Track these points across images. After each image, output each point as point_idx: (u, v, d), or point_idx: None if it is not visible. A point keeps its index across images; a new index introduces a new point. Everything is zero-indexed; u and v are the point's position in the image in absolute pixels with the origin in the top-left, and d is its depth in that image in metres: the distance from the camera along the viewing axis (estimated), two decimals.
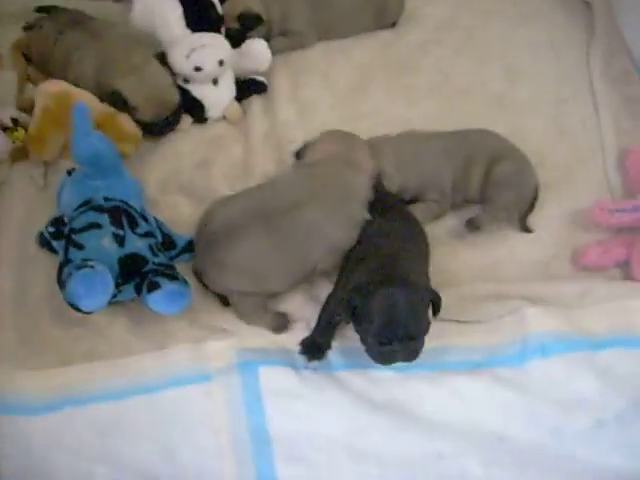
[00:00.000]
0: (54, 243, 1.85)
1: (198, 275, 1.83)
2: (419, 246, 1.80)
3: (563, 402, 1.66)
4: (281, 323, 1.80)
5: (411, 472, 1.63)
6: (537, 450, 1.64)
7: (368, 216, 1.84)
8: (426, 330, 1.58)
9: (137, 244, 1.77)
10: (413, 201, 2.01)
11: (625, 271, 1.93)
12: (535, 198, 2.03)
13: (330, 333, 1.73)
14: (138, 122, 2.10)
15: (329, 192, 1.84)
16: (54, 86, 2.02)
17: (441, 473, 1.63)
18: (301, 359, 1.71)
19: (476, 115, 2.25)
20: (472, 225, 1.97)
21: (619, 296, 1.81)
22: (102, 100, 2.07)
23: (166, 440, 1.64)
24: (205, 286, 1.83)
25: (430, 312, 1.60)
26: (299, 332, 1.77)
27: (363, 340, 1.60)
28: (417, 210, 1.96)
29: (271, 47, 2.26)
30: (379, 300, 1.54)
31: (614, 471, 1.65)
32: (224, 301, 1.83)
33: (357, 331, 1.61)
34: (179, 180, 2.11)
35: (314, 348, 1.72)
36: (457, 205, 2.04)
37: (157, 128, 2.15)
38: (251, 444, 1.63)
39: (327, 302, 1.73)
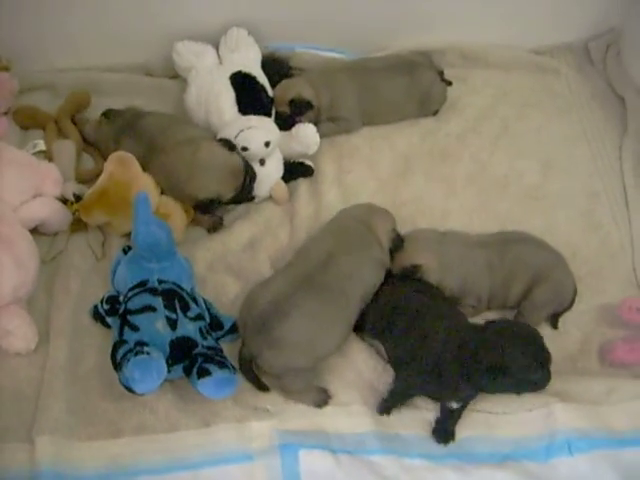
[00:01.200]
0: (108, 319, 1.93)
1: (247, 362, 1.88)
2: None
3: None
4: (323, 398, 1.90)
5: None
6: None
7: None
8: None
9: (188, 327, 1.86)
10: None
11: None
12: (571, 306, 2.09)
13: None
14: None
15: (352, 240, 2.00)
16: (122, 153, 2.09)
17: None
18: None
19: (511, 208, 2.34)
20: None
21: None
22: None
23: None
24: (250, 374, 1.89)
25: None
26: (337, 415, 1.87)
27: None
28: None
29: (319, 131, 2.33)
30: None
31: None
32: (262, 386, 1.90)
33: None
34: (226, 260, 2.17)
35: (443, 432, 1.85)
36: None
37: (238, 198, 2.19)
38: None
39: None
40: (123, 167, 2.04)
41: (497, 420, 1.87)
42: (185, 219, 2.14)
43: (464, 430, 1.85)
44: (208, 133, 2.24)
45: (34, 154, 2.25)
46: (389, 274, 2.03)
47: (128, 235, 1.98)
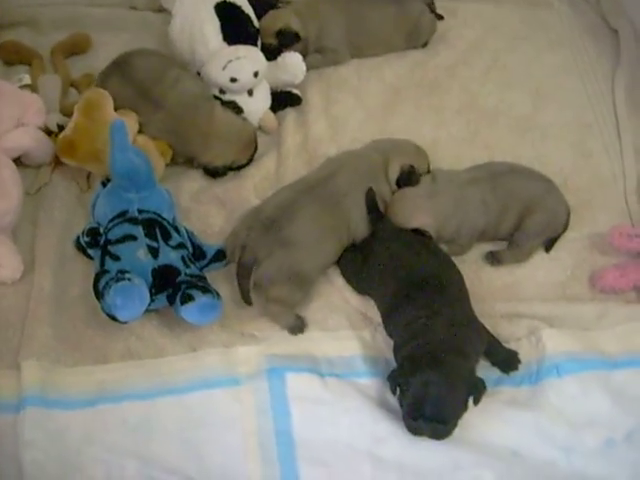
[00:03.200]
0: (89, 251, 1.92)
1: (247, 269, 1.86)
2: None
3: (575, 421, 1.73)
4: (298, 325, 1.90)
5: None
6: (549, 466, 1.69)
7: (392, 189, 2.03)
8: (459, 415, 1.65)
9: (170, 255, 1.85)
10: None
11: None
12: (565, 229, 2.09)
13: None
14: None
15: (360, 165, 2.04)
16: (95, 94, 2.06)
17: None
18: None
19: (502, 138, 2.33)
20: (494, 259, 2.06)
21: (635, 318, 1.91)
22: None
23: (194, 440, 1.70)
24: (245, 282, 1.87)
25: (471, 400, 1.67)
26: (324, 340, 1.87)
27: (401, 407, 1.69)
28: None
29: (307, 63, 2.33)
30: (418, 380, 1.62)
31: None
32: (248, 299, 1.89)
33: (398, 397, 1.69)
34: (212, 190, 2.17)
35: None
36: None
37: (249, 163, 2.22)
38: (277, 446, 1.69)
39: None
40: (89, 116, 2.02)
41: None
42: (162, 160, 2.10)
43: None
44: (205, 85, 2.22)
45: (19, 87, 2.22)
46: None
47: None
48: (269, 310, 1.91)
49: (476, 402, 1.66)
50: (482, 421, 1.72)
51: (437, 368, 1.62)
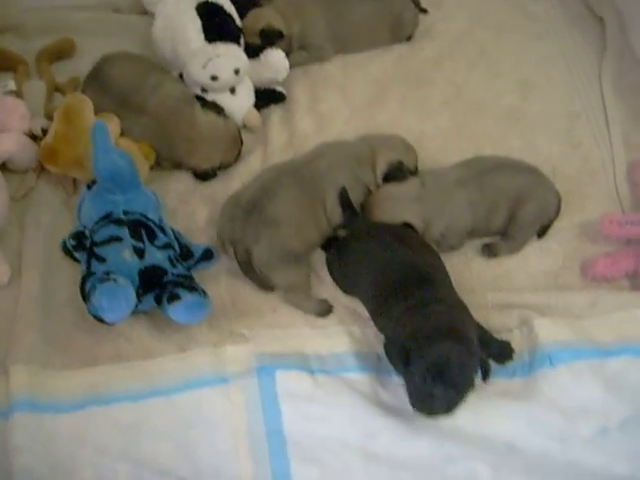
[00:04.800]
0: (76, 254, 1.91)
1: (246, 261, 1.88)
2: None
3: (569, 410, 1.70)
4: (325, 308, 1.91)
5: (422, 474, 1.65)
6: (544, 456, 1.67)
7: (378, 182, 2.03)
8: (468, 389, 1.63)
9: (157, 256, 1.84)
10: None
11: (634, 282, 1.97)
12: (557, 215, 2.07)
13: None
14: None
15: (345, 151, 2.04)
16: (74, 100, 2.06)
17: (451, 476, 1.66)
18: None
19: (489, 129, 2.31)
20: (489, 251, 2.04)
21: (628, 306, 1.87)
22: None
23: (185, 440, 1.68)
24: (253, 273, 1.89)
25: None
26: (314, 337, 1.85)
27: (407, 382, 1.65)
28: None
29: (291, 60, 2.31)
30: (435, 348, 1.59)
31: (617, 478, 1.67)
32: (266, 285, 1.92)
33: (403, 374, 1.66)
34: (198, 190, 2.16)
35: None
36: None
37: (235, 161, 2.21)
38: (267, 445, 1.67)
39: (387, 352, 1.74)
40: (68, 123, 2.01)
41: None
42: (146, 162, 2.07)
43: None
44: (185, 88, 2.21)
45: (5, 93, 2.21)
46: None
47: None
48: (289, 300, 1.92)
49: (485, 377, 1.64)
50: (475, 413, 1.69)
51: (457, 337, 1.61)
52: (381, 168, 2.03)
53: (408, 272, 1.76)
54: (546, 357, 1.76)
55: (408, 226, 1.92)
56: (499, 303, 1.92)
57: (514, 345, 1.80)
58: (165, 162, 2.15)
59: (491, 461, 1.66)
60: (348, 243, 1.93)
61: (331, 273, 1.97)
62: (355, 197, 1.99)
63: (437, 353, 1.59)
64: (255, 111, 2.28)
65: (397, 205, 1.96)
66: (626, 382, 1.74)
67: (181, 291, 1.76)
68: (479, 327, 1.76)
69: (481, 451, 1.67)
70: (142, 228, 1.85)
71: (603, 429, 1.69)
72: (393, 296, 1.74)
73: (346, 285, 1.93)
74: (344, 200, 1.96)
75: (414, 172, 2.08)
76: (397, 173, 2.01)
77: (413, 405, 1.63)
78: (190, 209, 2.11)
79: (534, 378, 1.75)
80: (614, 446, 1.68)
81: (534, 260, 2.03)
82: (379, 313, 1.79)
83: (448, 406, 1.62)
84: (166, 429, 1.69)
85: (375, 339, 1.83)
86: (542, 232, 2.07)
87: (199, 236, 2.03)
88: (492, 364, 1.74)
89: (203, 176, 2.16)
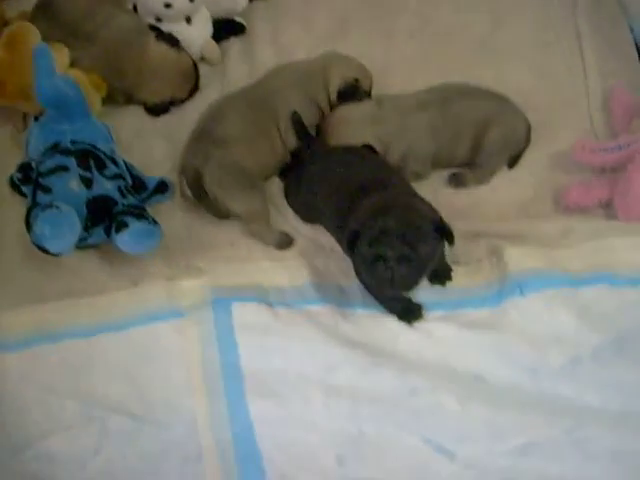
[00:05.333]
0: (23, 188, 1.84)
1: (197, 185, 1.84)
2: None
3: (539, 340, 1.63)
4: (285, 240, 1.85)
5: (384, 408, 1.60)
6: (513, 388, 1.61)
7: (333, 102, 1.97)
8: (429, 259, 1.51)
9: (105, 186, 1.76)
10: None
11: (608, 212, 1.89)
12: (527, 144, 2.00)
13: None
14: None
15: (296, 69, 2.00)
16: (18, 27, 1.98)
17: (416, 408, 1.59)
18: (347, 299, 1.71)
19: (458, 60, 2.20)
20: (457, 181, 1.97)
21: (601, 234, 1.78)
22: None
23: (137, 377, 1.63)
24: (205, 199, 1.84)
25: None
26: (274, 269, 1.77)
27: (358, 264, 1.55)
28: None
29: None
30: (380, 217, 1.49)
31: (591, 410, 1.60)
32: (221, 212, 1.86)
33: (354, 260, 1.57)
34: (155, 125, 2.09)
35: (408, 309, 1.68)
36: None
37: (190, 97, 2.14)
38: (223, 380, 1.62)
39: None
40: (13, 51, 1.94)
41: None
42: (97, 94, 2.01)
43: None
44: (139, 19, 2.14)
45: None
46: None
47: None
48: (248, 231, 1.86)
49: (450, 242, 1.54)
50: (441, 345, 1.63)
51: (404, 209, 1.51)
52: (334, 86, 1.96)
53: (367, 180, 1.66)
54: (516, 286, 1.68)
55: (368, 148, 1.84)
56: (467, 233, 1.81)
57: (482, 275, 1.73)
58: (118, 96, 2.08)
59: (458, 393, 1.60)
60: (304, 168, 1.84)
61: (289, 202, 1.90)
62: (309, 119, 1.94)
63: (382, 222, 1.48)
64: (213, 43, 2.21)
65: (352, 127, 1.89)
66: (599, 311, 1.66)
67: (129, 219, 1.69)
68: None
69: (447, 383, 1.61)
70: (90, 158, 1.77)
71: (575, 359, 1.62)
72: (352, 204, 1.63)
73: (305, 212, 1.86)
74: (297, 124, 1.89)
75: (369, 96, 2.00)
76: (352, 91, 1.93)
77: (369, 283, 1.57)
78: (146, 144, 2.05)
79: (503, 308, 1.67)
80: (586, 376, 1.61)
81: (504, 191, 1.96)
82: (340, 228, 1.68)
83: (406, 276, 1.50)
84: (118, 365, 1.64)
85: (338, 271, 1.77)
86: (512, 162, 2.00)
87: (155, 171, 1.96)
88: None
89: (154, 110, 2.10)
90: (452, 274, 1.72)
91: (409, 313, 1.66)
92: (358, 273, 1.60)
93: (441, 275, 1.71)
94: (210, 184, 1.82)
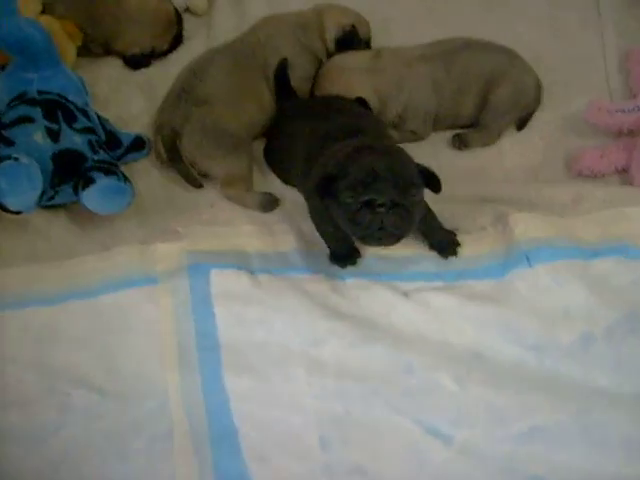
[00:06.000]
0: None
1: (174, 148, 1.72)
2: None
3: (547, 315, 1.50)
4: (269, 201, 1.72)
5: (374, 386, 1.45)
6: (516, 367, 1.46)
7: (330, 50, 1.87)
8: (416, 205, 1.38)
9: (74, 139, 1.64)
10: None
11: (623, 179, 1.77)
12: (537, 105, 1.90)
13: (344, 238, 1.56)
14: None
15: (288, 19, 1.90)
16: None
17: (409, 388, 1.44)
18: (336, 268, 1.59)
19: (464, 13, 2.09)
20: (461, 142, 1.85)
21: (616, 202, 1.67)
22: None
23: (105, 346, 1.50)
24: (172, 157, 1.72)
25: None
26: (257, 234, 1.65)
27: (340, 210, 1.40)
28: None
29: None
30: (361, 158, 1.35)
31: (602, 393, 1.44)
32: (194, 180, 1.75)
33: (332, 208, 1.43)
34: (134, 79, 1.98)
35: (343, 255, 1.59)
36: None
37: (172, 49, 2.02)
38: (197, 352, 1.48)
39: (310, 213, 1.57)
40: None
41: None
42: (71, 43, 1.87)
43: (405, 247, 1.59)
44: None
45: None
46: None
47: None
48: (229, 196, 1.74)
49: (437, 190, 1.41)
50: (439, 318, 1.50)
51: (383, 149, 1.39)
52: (331, 33, 1.86)
53: (342, 125, 1.53)
54: (523, 256, 1.56)
55: (362, 104, 1.70)
56: (470, 198, 1.72)
57: (486, 243, 1.61)
58: (94, 46, 1.95)
59: (456, 372, 1.45)
60: (280, 121, 1.73)
61: (268, 160, 1.81)
62: (306, 70, 1.85)
63: (369, 164, 1.33)
64: None
65: (347, 76, 1.79)
66: (613, 284, 1.54)
67: (96, 174, 1.56)
68: (429, 212, 1.55)
69: (445, 360, 1.47)
70: (58, 109, 1.65)
71: (585, 336, 1.48)
72: (322, 148, 1.49)
73: (282, 171, 1.74)
74: (279, 73, 1.78)
75: (368, 46, 1.88)
76: (350, 39, 1.82)
77: (354, 233, 1.42)
78: (123, 98, 1.93)
79: (509, 279, 1.54)
80: (598, 355, 1.46)
81: (511, 153, 1.85)
82: (305, 174, 1.54)
83: (394, 224, 1.36)
84: (84, 335, 1.51)
85: None
86: (521, 124, 1.88)
87: (132, 126, 1.85)
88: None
89: (133, 62, 1.97)
90: (457, 241, 1.60)
91: (346, 258, 1.57)
92: (314, 217, 1.52)
93: (446, 244, 1.60)
94: (188, 147, 1.71)
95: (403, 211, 1.34)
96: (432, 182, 1.41)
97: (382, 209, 1.33)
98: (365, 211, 1.34)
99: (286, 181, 1.77)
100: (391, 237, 1.38)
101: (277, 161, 1.77)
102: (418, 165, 1.40)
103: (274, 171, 1.79)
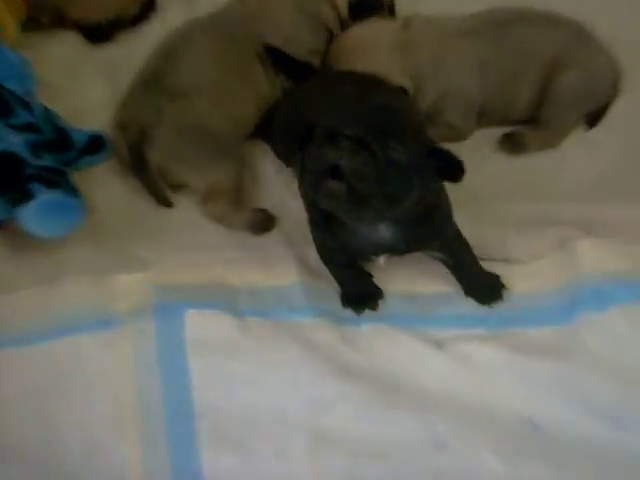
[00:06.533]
0: None
1: (133, 141, 1.68)
2: None
3: (624, 373, 1.46)
4: (263, 220, 1.71)
5: (395, 467, 1.40)
6: (584, 442, 1.42)
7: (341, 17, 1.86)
8: (396, 166, 1.25)
9: (10, 139, 1.60)
10: None
11: None
12: (615, 97, 1.88)
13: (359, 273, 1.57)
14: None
15: None
16: None
17: (440, 469, 1.39)
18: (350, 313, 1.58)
19: None
20: (513, 143, 1.85)
21: None
22: None
23: (45, 409, 1.46)
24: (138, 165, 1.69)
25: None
26: (247, 263, 1.63)
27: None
28: None
29: None
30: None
31: None
32: (165, 199, 1.72)
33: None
34: (94, 58, 2.00)
35: (358, 295, 1.57)
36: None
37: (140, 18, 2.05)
38: (166, 420, 1.44)
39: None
40: None
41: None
42: (11, 18, 1.88)
43: (434, 284, 1.60)
44: None
45: None
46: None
47: None
48: (211, 213, 1.72)
49: (458, 178, 1.29)
50: (481, 377, 1.47)
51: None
52: None
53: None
54: (593, 295, 1.53)
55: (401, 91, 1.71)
56: (524, 219, 1.69)
57: (545, 278, 1.57)
58: (44, 15, 1.97)
59: (502, 448, 1.41)
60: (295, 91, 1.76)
61: (269, 134, 1.81)
62: (313, 43, 1.85)
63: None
64: None
65: (370, 53, 1.77)
66: None
67: (36, 187, 1.52)
68: (465, 244, 1.53)
69: (489, 434, 1.42)
70: None
71: None
72: None
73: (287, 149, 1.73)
74: (273, 55, 1.78)
75: (392, 13, 1.86)
76: (368, 1, 1.84)
77: (310, 189, 1.31)
78: (79, 84, 1.94)
79: (574, 326, 1.51)
80: None
81: (579, 160, 1.82)
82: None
83: (354, 171, 1.22)
84: (18, 393, 1.47)
85: None
86: (593, 120, 1.87)
87: (90, 122, 1.83)
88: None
89: (93, 34, 1.98)
90: (503, 284, 1.58)
91: (363, 299, 1.55)
92: (314, 230, 1.49)
93: (487, 289, 1.57)
94: (159, 152, 1.68)
95: (371, 159, 1.21)
96: (449, 167, 1.30)
97: (346, 143, 1.21)
98: (327, 145, 1.22)
99: (288, 162, 1.75)
100: (347, 194, 1.23)
101: (283, 133, 1.73)
102: (431, 141, 1.34)
103: (274, 147, 1.79)
